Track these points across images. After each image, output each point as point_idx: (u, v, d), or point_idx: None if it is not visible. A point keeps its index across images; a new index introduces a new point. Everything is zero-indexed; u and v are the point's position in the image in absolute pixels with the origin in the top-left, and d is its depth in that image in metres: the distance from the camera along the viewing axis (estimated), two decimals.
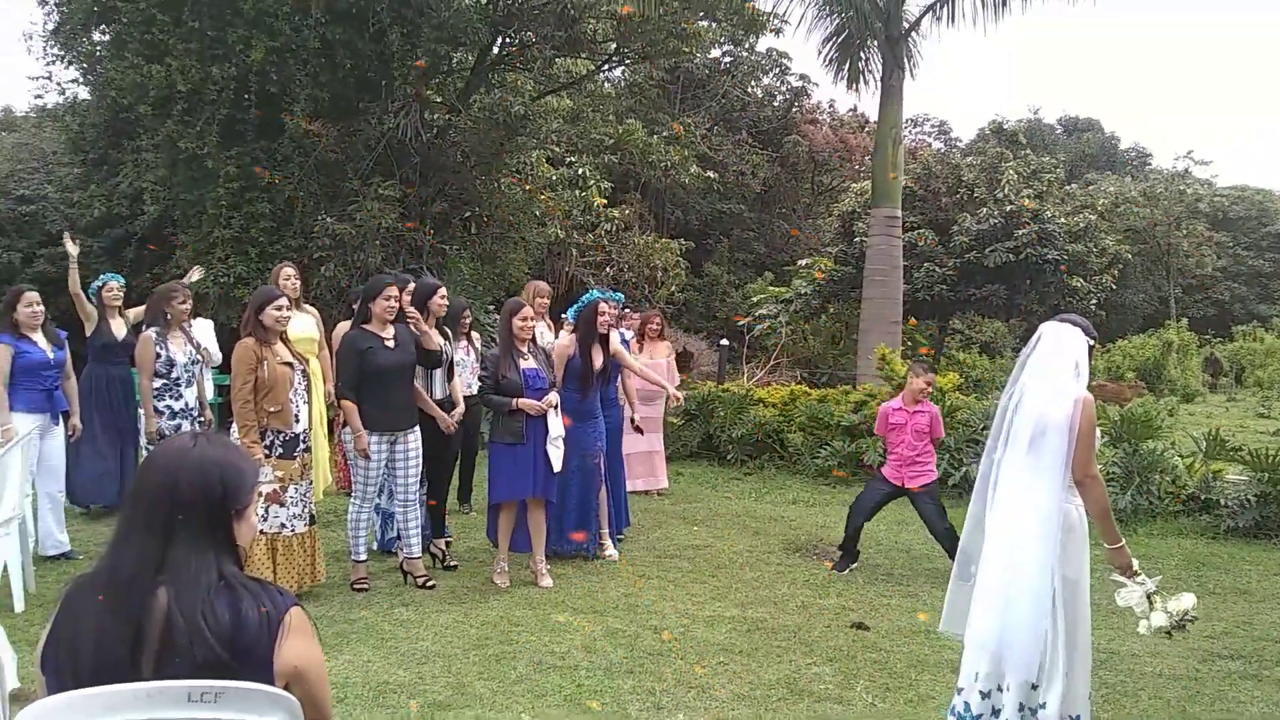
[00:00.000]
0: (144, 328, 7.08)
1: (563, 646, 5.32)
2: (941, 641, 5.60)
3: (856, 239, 19.16)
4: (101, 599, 1.92)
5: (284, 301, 5.90)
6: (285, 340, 6.01)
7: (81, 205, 13.91)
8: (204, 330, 7.74)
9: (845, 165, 28.34)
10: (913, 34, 15.94)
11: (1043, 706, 3.87)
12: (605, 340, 7.15)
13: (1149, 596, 3.96)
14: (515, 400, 6.35)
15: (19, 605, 5.72)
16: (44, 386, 6.63)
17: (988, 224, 18.86)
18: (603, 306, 7.01)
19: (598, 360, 7.04)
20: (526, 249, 15.87)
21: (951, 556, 6.41)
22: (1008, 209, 18.81)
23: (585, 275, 18.55)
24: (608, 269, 18.82)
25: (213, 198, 12.19)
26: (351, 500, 6.41)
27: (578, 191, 18.19)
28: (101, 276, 8.14)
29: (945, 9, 15.47)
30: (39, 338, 6.65)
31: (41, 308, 6.67)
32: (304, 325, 7.35)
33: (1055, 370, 3.96)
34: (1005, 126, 24.86)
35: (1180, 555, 7.79)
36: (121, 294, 8.05)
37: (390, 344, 6.24)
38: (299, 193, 12.52)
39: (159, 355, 6.81)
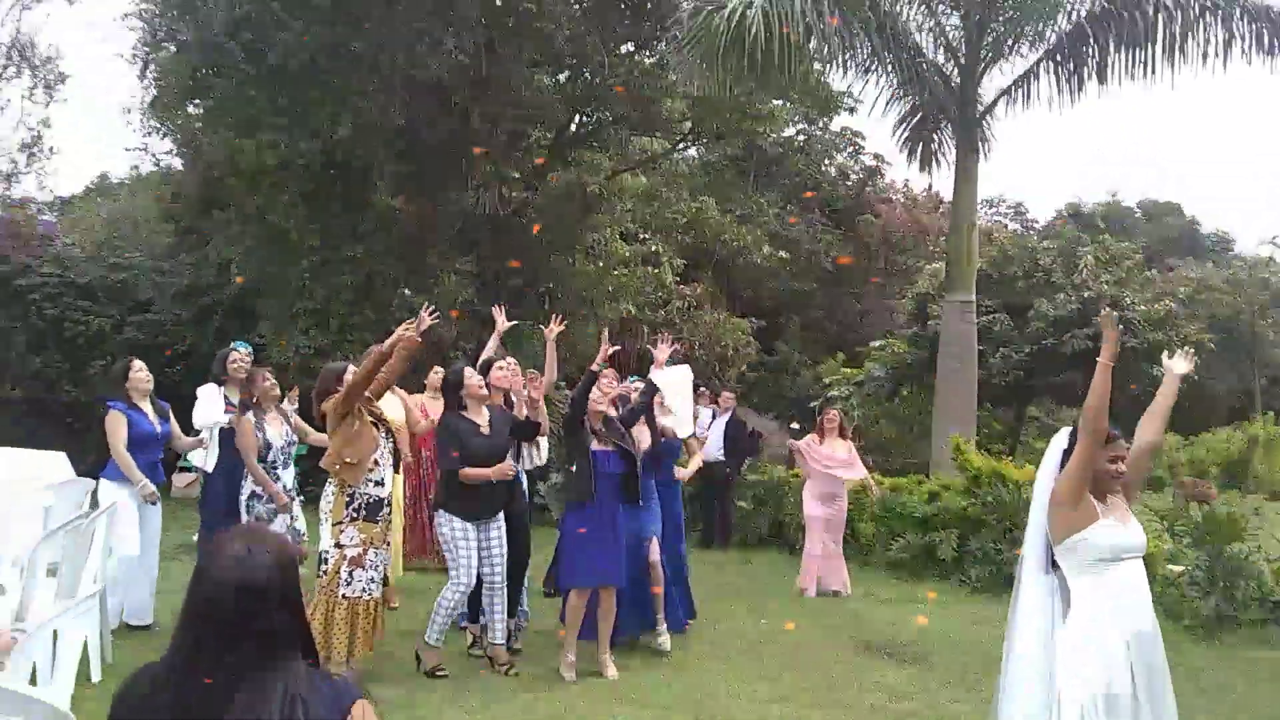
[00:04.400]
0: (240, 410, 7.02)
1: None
2: None
3: (931, 321, 19.00)
4: (159, 704, 1.94)
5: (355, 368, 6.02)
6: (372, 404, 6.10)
7: (172, 273, 14.35)
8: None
9: (920, 245, 28.23)
10: (987, 116, 15.93)
11: None
12: (648, 421, 7.13)
13: None
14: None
15: (95, 675, 5.78)
16: (149, 459, 6.77)
17: (1065, 310, 18.61)
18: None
19: (641, 441, 7.00)
20: (599, 325, 15.99)
21: None
22: (1085, 295, 18.56)
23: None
24: (678, 346, 18.88)
25: (296, 270, 12.52)
26: (452, 583, 6.24)
27: (650, 268, 18.35)
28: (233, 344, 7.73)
29: (1020, 91, 15.42)
30: (147, 408, 6.81)
31: (150, 377, 6.86)
32: (390, 407, 7.39)
33: (1044, 474, 4.08)
34: (1083, 209, 24.70)
35: (1268, 667, 7.47)
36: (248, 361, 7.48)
37: (485, 430, 6.33)
38: (379, 266, 12.79)
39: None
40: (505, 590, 6.48)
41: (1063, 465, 3.92)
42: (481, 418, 6.35)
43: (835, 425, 9.63)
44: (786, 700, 6.16)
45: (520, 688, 6.11)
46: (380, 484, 5.96)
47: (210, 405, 7.11)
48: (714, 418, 11.94)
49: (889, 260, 28.78)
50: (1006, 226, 33.07)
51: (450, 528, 6.28)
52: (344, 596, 5.76)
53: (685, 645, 7.23)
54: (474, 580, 6.28)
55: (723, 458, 11.51)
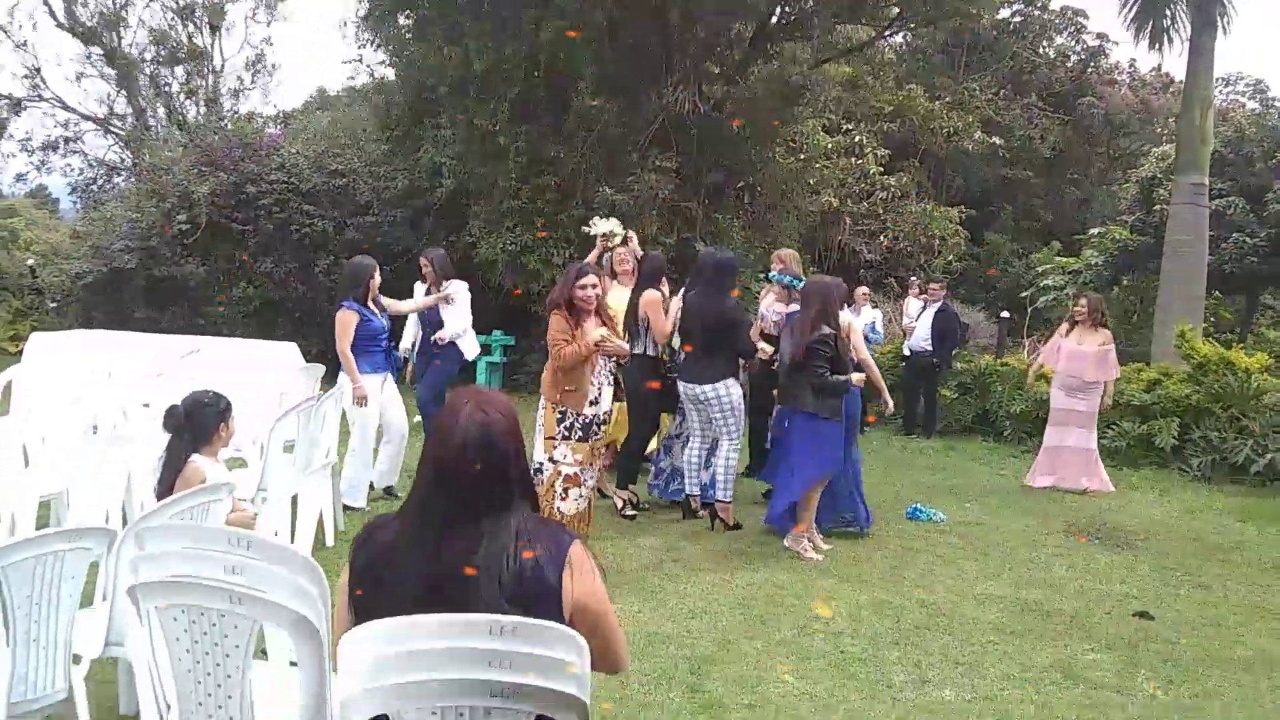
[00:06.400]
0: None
1: (827, 613, 5.36)
2: (1235, 636, 5.26)
3: (1156, 207, 17.83)
4: (408, 546, 2.22)
5: (590, 280, 5.93)
6: (607, 321, 6.08)
7: (387, 178, 14.99)
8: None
9: (1146, 128, 26.40)
10: None
11: None
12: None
13: None
14: (853, 376, 6.47)
15: (330, 540, 6.30)
16: (381, 348, 7.22)
17: None
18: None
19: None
20: (799, 218, 15.81)
21: None
22: None
23: (858, 244, 18.29)
24: (881, 238, 18.46)
25: (503, 172, 12.91)
26: (734, 444, 6.89)
27: (853, 159, 17.92)
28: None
29: None
30: (372, 306, 7.17)
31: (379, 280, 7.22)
32: (622, 296, 7.66)
33: None
34: None
35: None
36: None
37: None
38: (582, 166, 13.03)
39: None
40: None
41: None
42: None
43: (1085, 313, 8.82)
44: (993, 579, 6.14)
45: (722, 559, 6.28)
46: (595, 403, 5.97)
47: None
48: (924, 308, 11.72)
49: (1112, 145, 27.09)
50: (1244, 106, 30.44)
51: (740, 395, 6.85)
52: (560, 511, 5.84)
53: (887, 526, 7.24)
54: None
55: (930, 348, 11.28)
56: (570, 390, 5.84)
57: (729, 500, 6.94)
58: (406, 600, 2.14)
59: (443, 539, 2.17)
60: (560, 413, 5.85)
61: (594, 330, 5.84)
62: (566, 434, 5.83)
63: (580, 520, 5.94)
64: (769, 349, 7.33)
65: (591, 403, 5.94)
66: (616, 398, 6.38)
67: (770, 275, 7.70)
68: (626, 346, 6.21)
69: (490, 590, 2.13)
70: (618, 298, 7.37)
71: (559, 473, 5.81)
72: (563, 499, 5.85)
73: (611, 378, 6.19)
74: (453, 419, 2.21)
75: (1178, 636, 5.24)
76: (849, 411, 6.78)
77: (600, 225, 7.91)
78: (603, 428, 6.14)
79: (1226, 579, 6.35)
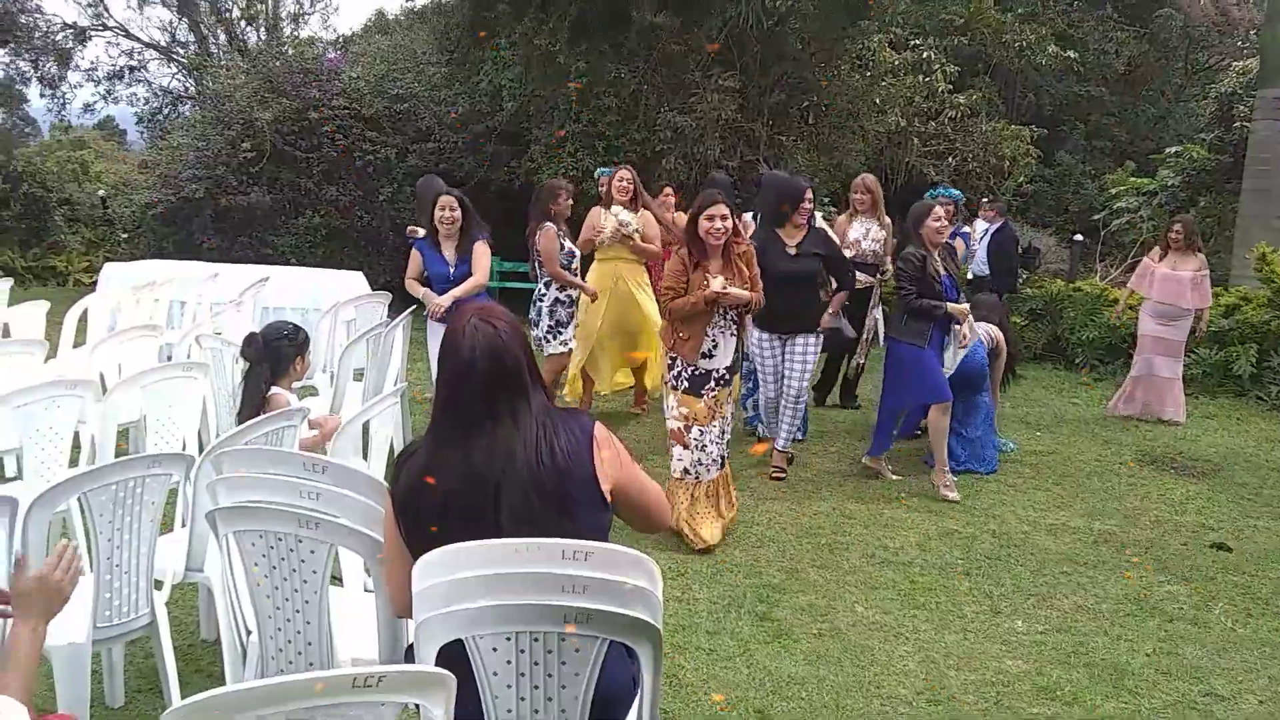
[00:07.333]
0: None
1: (896, 542, 5.32)
2: None
3: (1236, 124, 17.16)
4: (439, 458, 2.29)
5: (720, 210, 5.16)
6: (740, 266, 5.29)
7: (447, 102, 14.86)
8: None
9: (1226, 41, 25.33)
10: None
11: None
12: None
13: None
14: (948, 305, 6.08)
15: None
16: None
17: None
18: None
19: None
20: (865, 139, 15.45)
21: None
22: None
23: (926, 166, 17.86)
24: (950, 159, 17.99)
25: (564, 94, 12.74)
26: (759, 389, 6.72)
27: (921, 77, 17.41)
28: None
29: None
30: (449, 250, 6.33)
31: (454, 213, 6.22)
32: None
33: None
34: None
35: None
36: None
37: (791, 250, 6.18)
38: (643, 86, 12.81)
39: (562, 247, 7.12)
40: (799, 405, 6.43)
41: None
42: (792, 240, 6.22)
43: (1180, 237, 8.32)
44: (1062, 509, 6.04)
45: (788, 488, 6.26)
46: (709, 355, 5.29)
47: None
48: (987, 230, 11.40)
49: (1190, 59, 26.07)
50: None
51: (757, 338, 6.39)
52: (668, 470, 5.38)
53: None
54: (772, 388, 6.46)
55: (987, 273, 10.91)
56: (684, 339, 5.26)
57: (767, 436, 6.77)
58: (445, 508, 2.24)
59: (469, 443, 2.26)
60: (670, 358, 5.35)
61: (715, 280, 5.11)
62: (674, 383, 5.33)
63: (683, 489, 5.32)
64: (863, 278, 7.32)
65: (705, 355, 5.26)
66: (738, 350, 5.60)
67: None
68: (750, 294, 5.23)
69: (524, 482, 2.21)
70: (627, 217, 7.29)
71: (668, 428, 5.38)
72: (666, 454, 5.42)
73: (734, 326, 5.34)
74: (459, 333, 2.32)
75: (1257, 569, 5.13)
76: (971, 359, 6.59)
77: (623, 215, 7.57)
78: (722, 386, 5.38)
79: None
